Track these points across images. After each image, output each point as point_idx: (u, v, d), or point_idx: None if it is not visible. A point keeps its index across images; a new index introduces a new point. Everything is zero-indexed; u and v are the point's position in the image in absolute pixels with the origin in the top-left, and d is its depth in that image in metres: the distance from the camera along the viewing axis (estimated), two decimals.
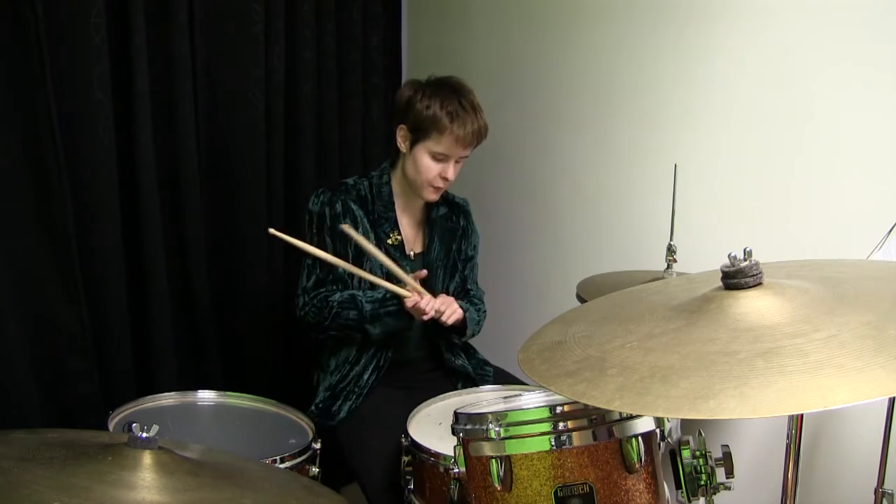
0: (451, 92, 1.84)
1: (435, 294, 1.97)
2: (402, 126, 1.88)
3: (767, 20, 1.94)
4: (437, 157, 1.85)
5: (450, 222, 2.04)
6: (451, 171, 1.87)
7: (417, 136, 1.85)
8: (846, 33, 1.82)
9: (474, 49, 2.70)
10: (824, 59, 1.86)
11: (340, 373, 1.92)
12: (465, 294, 2.12)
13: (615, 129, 2.31)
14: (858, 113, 1.82)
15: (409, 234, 1.98)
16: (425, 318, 1.80)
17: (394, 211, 1.94)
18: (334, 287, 1.88)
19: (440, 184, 1.89)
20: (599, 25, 2.31)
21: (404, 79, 2.84)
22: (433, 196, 1.93)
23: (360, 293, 1.86)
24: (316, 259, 1.89)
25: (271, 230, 1.75)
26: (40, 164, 1.75)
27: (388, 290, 1.80)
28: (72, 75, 1.80)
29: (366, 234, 1.88)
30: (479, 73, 2.66)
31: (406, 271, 1.88)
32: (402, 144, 1.89)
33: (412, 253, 1.97)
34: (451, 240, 2.03)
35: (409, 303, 1.78)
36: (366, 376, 1.90)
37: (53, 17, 1.75)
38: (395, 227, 1.93)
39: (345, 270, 1.87)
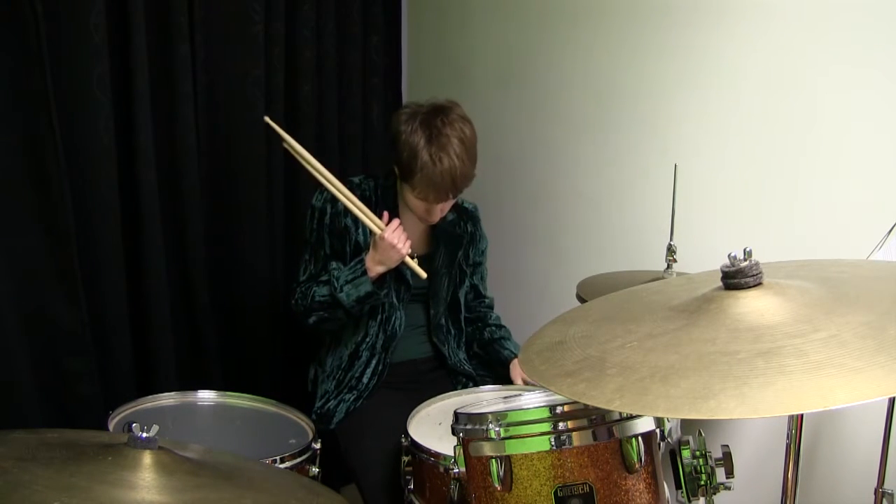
0: (428, 139, 1.74)
1: (438, 300, 1.97)
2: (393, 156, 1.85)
3: (768, 21, 1.94)
4: (420, 198, 1.82)
5: (457, 228, 2.02)
6: (436, 214, 1.85)
7: (400, 173, 1.82)
8: (846, 35, 1.82)
9: (474, 49, 2.70)
10: (825, 60, 1.86)
11: (335, 378, 1.92)
12: (477, 301, 2.12)
13: (615, 129, 2.31)
14: (858, 113, 1.82)
15: (413, 239, 1.95)
16: (402, 248, 1.78)
17: (397, 215, 1.91)
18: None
19: (428, 219, 1.87)
20: (600, 25, 2.31)
21: (404, 78, 2.84)
22: (430, 222, 1.91)
23: (335, 280, 1.85)
24: (312, 255, 1.90)
25: (267, 118, 1.81)
26: (40, 164, 1.75)
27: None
28: (72, 75, 1.80)
29: (366, 235, 1.88)
30: (479, 74, 2.67)
31: (407, 274, 1.89)
32: (396, 170, 1.86)
33: (415, 258, 1.96)
34: (457, 247, 2.02)
35: (385, 235, 1.77)
36: (365, 380, 1.90)
37: (53, 17, 1.75)
38: None
39: (339, 265, 1.86)
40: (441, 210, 1.86)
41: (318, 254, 1.90)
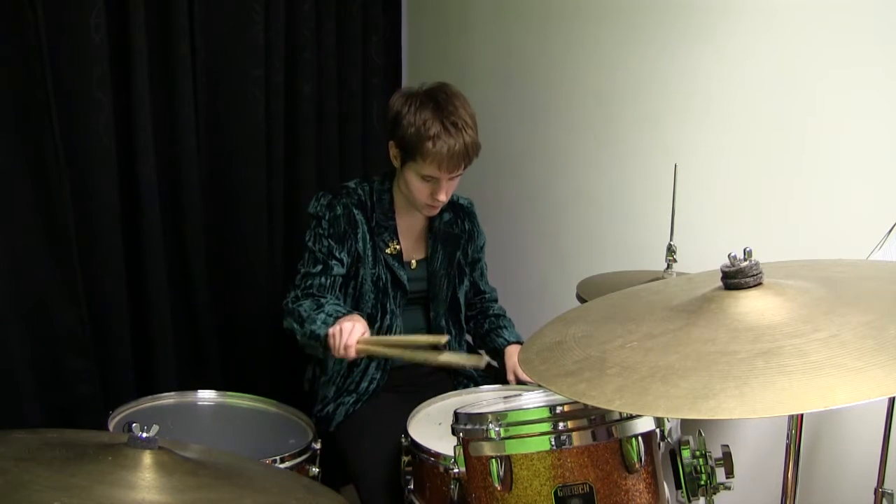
0: (436, 110, 1.74)
1: (438, 302, 1.97)
2: (392, 142, 1.83)
3: (769, 21, 1.94)
4: (425, 179, 1.79)
5: (454, 228, 2.01)
6: (442, 194, 1.80)
7: (405, 156, 1.79)
8: (847, 34, 1.82)
9: (474, 49, 2.70)
10: (825, 59, 1.86)
11: (335, 384, 1.92)
12: (478, 297, 2.12)
13: (615, 128, 2.31)
14: (858, 113, 1.82)
15: (409, 243, 1.95)
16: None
17: (394, 219, 1.91)
18: (322, 280, 1.84)
19: (434, 203, 1.83)
20: (600, 25, 2.31)
21: (404, 79, 2.84)
22: (430, 213, 1.89)
23: (328, 305, 1.78)
24: (310, 256, 1.87)
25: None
26: (40, 164, 1.75)
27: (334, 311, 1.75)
28: (72, 75, 1.80)
29: (364, 241, 1.87)
30: (479, 73, 2.67)
31: (404, 279, 1.89)
32: (394, 161, 1.85)
33: (413, 261, 1.95)
34: (455, 247, 2.01)
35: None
36: (364, 384, 1.89)
37: (53, 17, 1.75)
38: (395, 235, 1.90)
39: (339, 276, 1.84)
40: (447, 191, 1.82)
41: (315, 256, 1.86)
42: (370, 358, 1.85)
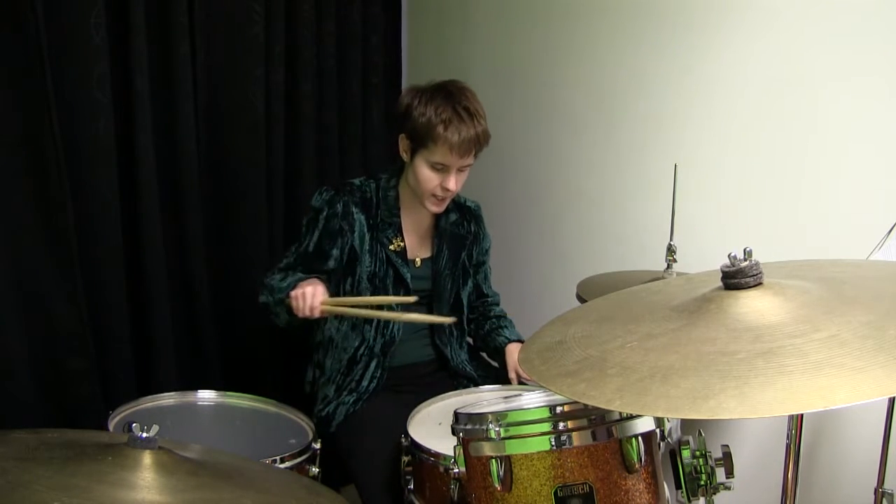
0: (447, 98, 1.77)
1: (442, 302, 1.96)
2: (402, 135, 1.84)
3: (770, 22, 1.94)
4: (435, 167, 1.80)
5: (460, 229, 2.01)
6: (452, 182, 1.81)
7: (415, 145, 1.81)
8: (847, 34, 1.82)
9: (474, 49, 2.70)
10: (825, 59, 1.86)
11: (335, 382, 1.92)
12: (481, 300, 2.12)
13: (616, 128, 2.31)
14: (858, 113, 1.82)
15: (414, 241, 1.95)
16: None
17: (398, 216, 1.91)
18: (302, 270, 1.90)
19: (441, 194, 1.84)
20: (601, 25, 2.31)
21: (404, 78, 2.84)
22: (436, 208, 1.88)
23: (292, 276, 1.87)
24: (295, 249, 1.91)
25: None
26: (40, 164, 1.75)
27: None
28: (72, 75, 1.80)
29: (362, 239, 1.87)
30: (480, 73, 2.67)
31: (407, 277, 1.89)
32: (404, 154, 1.86)
33: (417, 259, 1.95)
34: (461, 247, 2.01)
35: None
36: (364, 383, 1.89)
37: (53, 17, 1.75)
38: (399, 233, 1.90)
39: (334, 275, 1.87)
40: (456, 181, 1.82)
41: (300, 249, 1.89)
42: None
